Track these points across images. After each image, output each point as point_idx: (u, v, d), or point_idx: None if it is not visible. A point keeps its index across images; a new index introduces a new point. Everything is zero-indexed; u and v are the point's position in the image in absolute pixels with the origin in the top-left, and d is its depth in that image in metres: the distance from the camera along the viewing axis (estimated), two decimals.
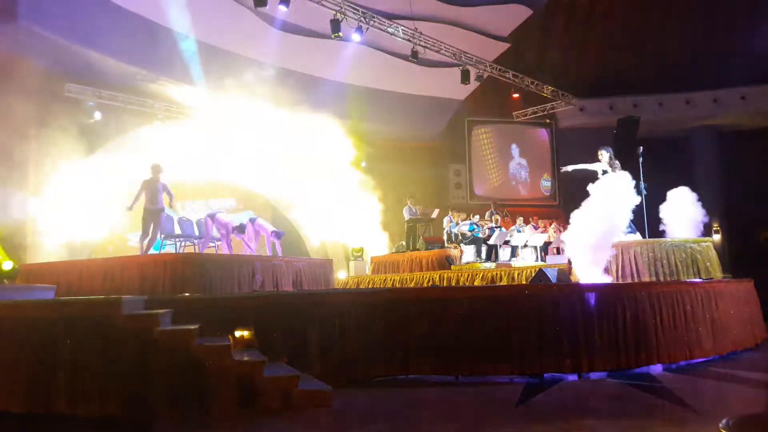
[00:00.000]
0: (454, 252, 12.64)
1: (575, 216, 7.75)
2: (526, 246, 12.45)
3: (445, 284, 10.94)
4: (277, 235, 10.28)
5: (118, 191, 13.58)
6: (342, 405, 5.08)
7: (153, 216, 8.85)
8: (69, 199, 12.76)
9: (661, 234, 9.11)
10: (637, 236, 9.04)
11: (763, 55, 14.91)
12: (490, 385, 5.89)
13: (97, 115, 13.01)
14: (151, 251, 8.98)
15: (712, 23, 17.08)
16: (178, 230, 9.97)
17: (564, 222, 12.24)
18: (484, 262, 12.07)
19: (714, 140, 18.16)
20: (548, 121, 19.34)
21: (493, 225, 12.98)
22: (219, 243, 10.16)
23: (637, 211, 8.46)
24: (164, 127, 14.06)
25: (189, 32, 12.17)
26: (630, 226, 8.71)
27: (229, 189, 16.47)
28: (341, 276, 14.65)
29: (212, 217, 9.76)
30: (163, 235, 9.09)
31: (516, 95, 18.72)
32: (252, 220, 10.27)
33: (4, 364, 5.23)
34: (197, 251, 10.01)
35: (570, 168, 9.56)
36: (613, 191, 7.80)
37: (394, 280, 12.02)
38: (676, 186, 9.22)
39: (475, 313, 6.18)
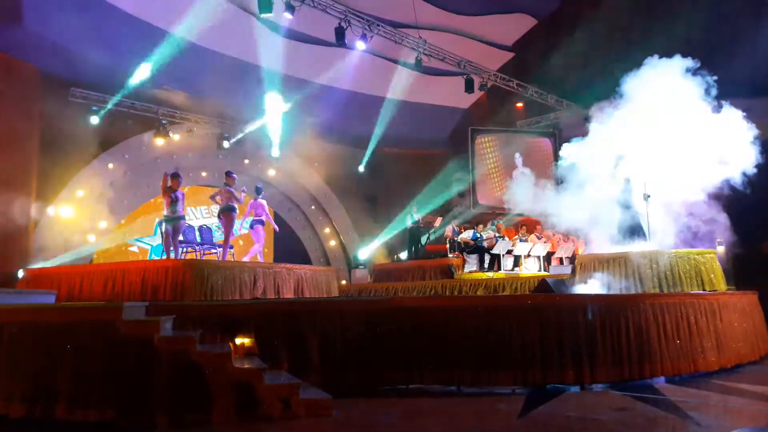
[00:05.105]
0: (456, 261, 12.60)
1: None
2: (529, 255, 12.40)
3: (447, 293, 10.90)
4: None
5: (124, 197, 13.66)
6: (342, 414, 5.04)
7: (173, 224, 8.74)
8: (73, 204, 12.80)
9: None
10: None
11: (766, 68, 14.88)
12: (492, 395, 5.84)
13: (97, 120, 13.01)
14: (153, 257, 8.96)
15: (716, 34, 17.07)
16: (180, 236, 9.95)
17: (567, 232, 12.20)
18: (487, 271, 12.03)
19: None
20: (552, 130, 19.32)
21: (496, 234, 12.92)
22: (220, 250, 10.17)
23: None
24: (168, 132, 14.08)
25: (192, 37, 12.20)
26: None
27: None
28: (343, 284, 14.62)
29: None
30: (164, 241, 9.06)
31: (520, 104, 18.75)
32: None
33: (4, 368, 5.22)
34: (199, 257, 9.99)
35: None
36: None
37: (396, 288, 11.98)
38: None
39: (478, 323, 6.14)
